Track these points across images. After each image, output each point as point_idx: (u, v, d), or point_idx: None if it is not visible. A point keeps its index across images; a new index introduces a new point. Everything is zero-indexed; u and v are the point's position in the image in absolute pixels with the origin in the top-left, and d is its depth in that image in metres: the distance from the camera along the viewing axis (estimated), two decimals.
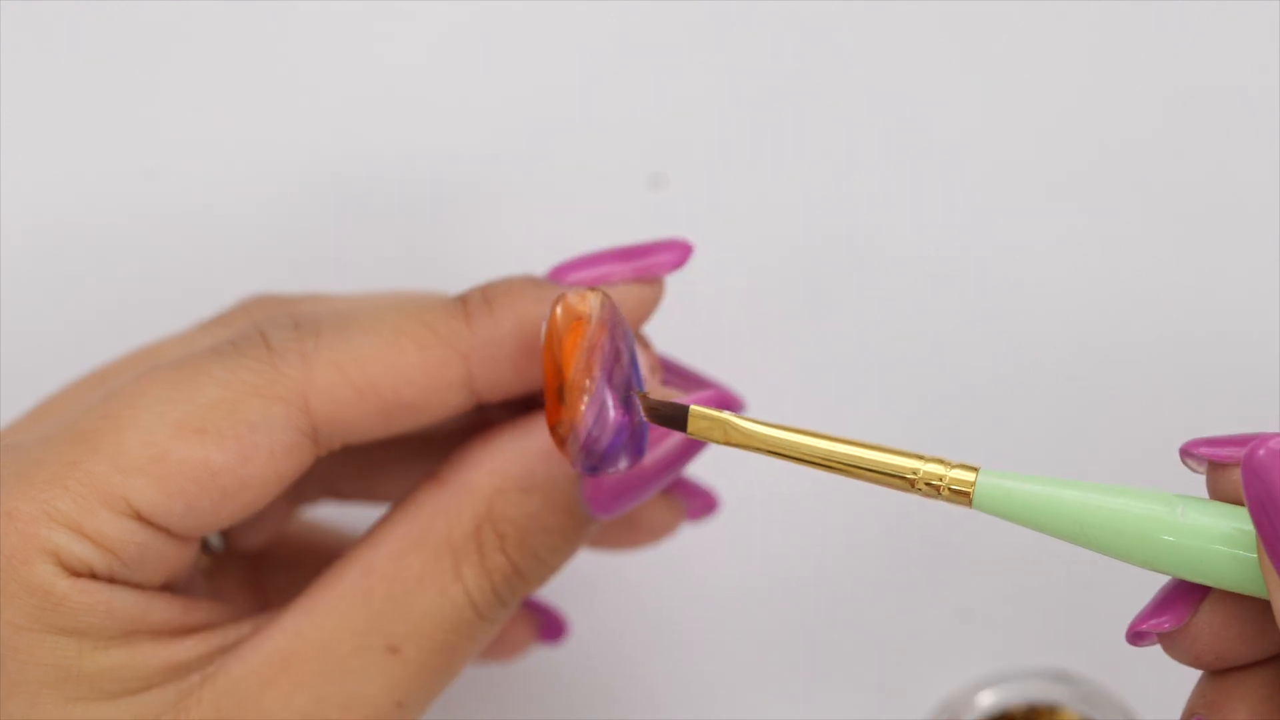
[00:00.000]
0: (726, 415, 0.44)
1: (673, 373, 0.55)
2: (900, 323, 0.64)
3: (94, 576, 0.45)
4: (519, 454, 0.48)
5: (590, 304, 0.46)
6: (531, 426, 0.48)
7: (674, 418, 0.45)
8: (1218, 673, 0.43)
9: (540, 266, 0.64)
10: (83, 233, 0.64)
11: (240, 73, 0.65)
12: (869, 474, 0.44)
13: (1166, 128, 0.64)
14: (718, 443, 0.45)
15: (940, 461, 0.43)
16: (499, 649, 0.58)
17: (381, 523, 0.48)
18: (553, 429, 0.45)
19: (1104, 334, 0.63)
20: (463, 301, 0.48)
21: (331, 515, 0.61)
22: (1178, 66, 0.64)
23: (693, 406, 0.45)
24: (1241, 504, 0.42)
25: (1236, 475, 0.42)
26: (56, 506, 0.44)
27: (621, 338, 0.46)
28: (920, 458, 0.43)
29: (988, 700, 0.59)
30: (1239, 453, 0.41)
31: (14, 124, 0.65)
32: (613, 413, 0.45)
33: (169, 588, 0.48)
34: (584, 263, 0.49)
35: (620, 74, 0.65)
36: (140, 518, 0.45)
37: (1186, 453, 0.43)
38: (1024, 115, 0.65)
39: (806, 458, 0.44)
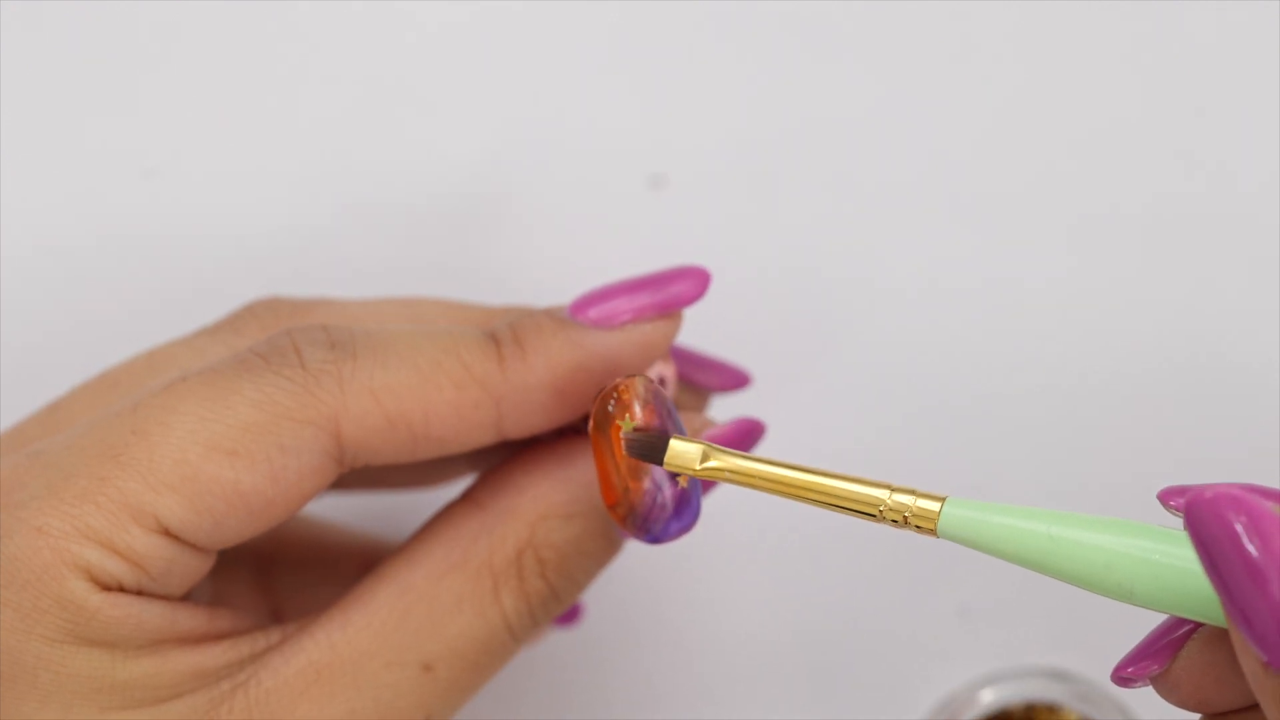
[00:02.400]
0: (701, 446, 0.45)
1: (686, 361, 0.55)
2: (901, 330, 0.64)
3: (122, 590, 0.45)
4: (564, 482, 0.48)
5: (635, 391, 0.46)
6: (573, 454, 0.49)
7: (650, 452, 0.45)
8: (1213, 716, 0.43)
9: (541, 266, 0.65)
10: (84, 232, 0.64)
11: (240, 76, 0.65)
12: (836, 504, 0.44)
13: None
14: (691, 474, 0.45)
15: (910, 492, 0.43)
16: None
17: (417, 542, 0.48)
18: (611, 508, 0.46)
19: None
20: (495, 342, 0.48)
21: (330, 507, 0.61)
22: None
23: (672, 441, 0.45)
24: None
25: None
26: (88, 523, 0.44)
27: (667, 415, 0.47)
28: (889, 488, 0.43)
29: (987, 699, 0.59)
30: None
31: (15, 123, 0.64)
32: (669, 493, 0.46)
33: (189, 596, 0.48)
34: (604, 295, 0.49)
35: (624, 75, 0.65)
36: (169, 534, 0.45)
37: (1163, 501, 0.43)
38: (1030, 136, 0.64)
39: (775, 488, 0.44)
